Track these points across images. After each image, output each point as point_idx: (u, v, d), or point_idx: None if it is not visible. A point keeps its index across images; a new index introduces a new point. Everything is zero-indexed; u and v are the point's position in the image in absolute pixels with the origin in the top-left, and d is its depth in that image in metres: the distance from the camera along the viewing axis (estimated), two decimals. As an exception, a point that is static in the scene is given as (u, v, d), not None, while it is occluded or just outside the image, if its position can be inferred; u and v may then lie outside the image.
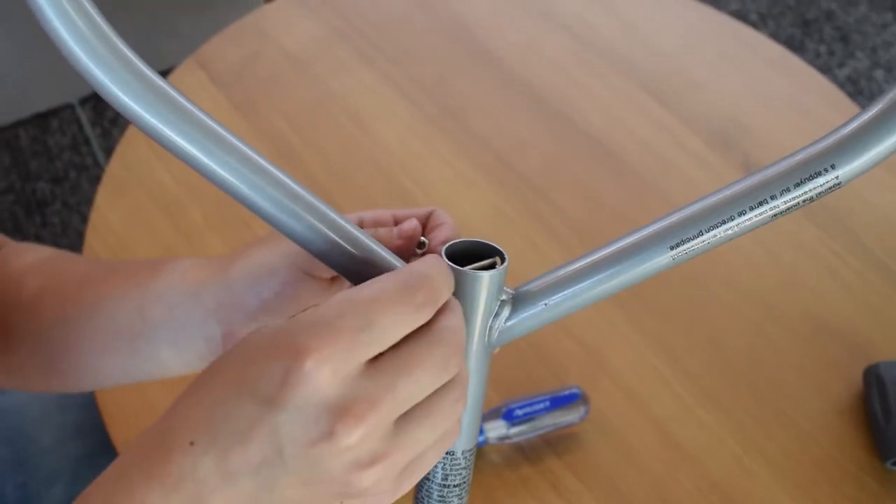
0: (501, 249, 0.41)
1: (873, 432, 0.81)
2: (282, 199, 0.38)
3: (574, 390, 0.78)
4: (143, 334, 0.53)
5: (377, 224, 0.51)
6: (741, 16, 2.20)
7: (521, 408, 0.76)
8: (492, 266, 0.40)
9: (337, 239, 0.39)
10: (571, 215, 0.94)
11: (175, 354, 0.54)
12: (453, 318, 0.37)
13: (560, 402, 0.77)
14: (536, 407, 0.76)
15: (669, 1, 1.20)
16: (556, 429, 0.77)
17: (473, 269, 0.39)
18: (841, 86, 2.06)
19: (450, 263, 0.39)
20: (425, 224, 0.50)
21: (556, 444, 0.79)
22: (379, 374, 0.34)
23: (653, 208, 0.95)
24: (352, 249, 0.39)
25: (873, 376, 0.83)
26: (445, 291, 0.38)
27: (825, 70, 2.09)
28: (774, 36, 2.16)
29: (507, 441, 0.76)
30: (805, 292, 0.91)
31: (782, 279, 0.92)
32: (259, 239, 0.51)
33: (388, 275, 0.37)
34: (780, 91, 1.10)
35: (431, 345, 0.36)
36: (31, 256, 0.62)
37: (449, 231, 0.49)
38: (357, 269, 0.40)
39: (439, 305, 0.37)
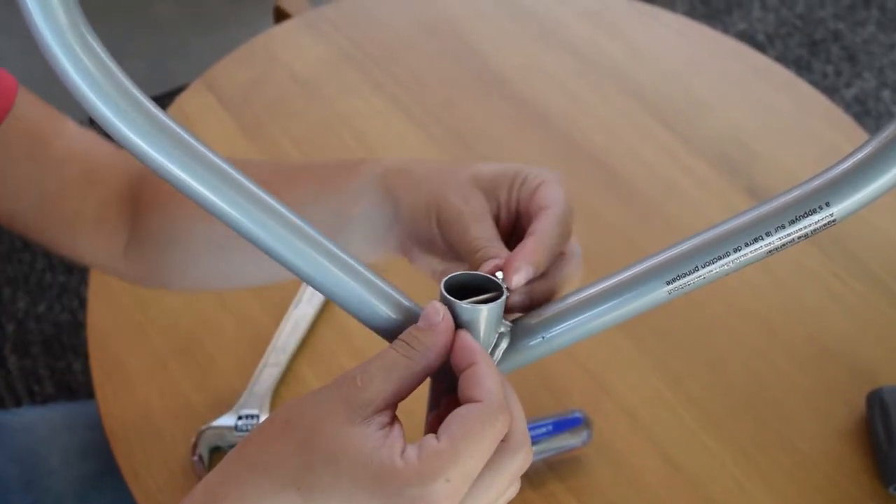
0: (501, 282, 0.41)
1: (876, 457, 0.81)
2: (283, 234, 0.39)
3: (577, 414, 0.78)
4: (342, 230, 0.56)
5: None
6: (748, 36, 2.20)
7: (523, 432, 0.76)
8: (491, 299, 0.41)
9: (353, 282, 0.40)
10: (575, 238, 0.95)
11: (368, 248, 0.56)
12: (521, 452, 0.40)
13: (563, 425, 0.77)
14: (539, 431, 0.76)
15: (675, 23, 1.21)
16: (559, 452, 0.78)
17: (472, 302, 0.40)
18: (848, 106, 2.07)
19: (448, 296, 0.40)
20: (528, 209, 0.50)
21: (558, 468, 0.79)
22: None
23: (657, 231, 0.96)
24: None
25: (877, 400, 0.83)
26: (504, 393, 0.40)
27: (832, 90, 2.10)
28: (782, 56, 2.17)
29: (510, 465, 0.76)
30: (807, 316, 0.92)
31: (785, 302, 0.92)
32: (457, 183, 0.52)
33: (474, 416, 0.38)
34: (786, 114, 1.11)
35: (507, 472, 0.40)
36: None
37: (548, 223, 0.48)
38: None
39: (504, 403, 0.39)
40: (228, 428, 0.78)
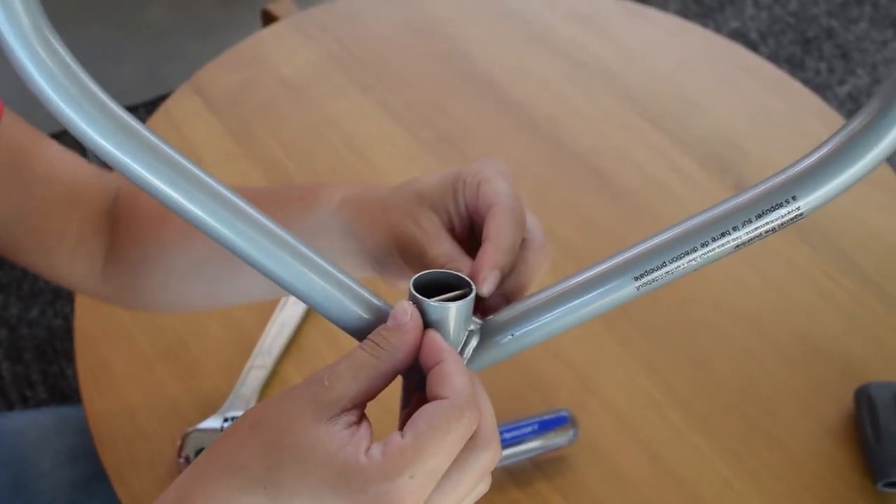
0: (469, 280, 0.41)
1: (865, 453, 0.81)
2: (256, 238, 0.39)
3: (562, 413, 0.78)
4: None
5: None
6: (741, 34, 2.20)
7: (508, 431, 0.76)
8: (460, 297, 0.41)
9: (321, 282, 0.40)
10: (564, 238, 0.95)
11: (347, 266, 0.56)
12: (489, 450, 0.40)
13: (548, 425, 0.77)
14: (524, 430, 0.76)
15: (664, 23, 1.21)
16: (545, 452, 0.78)
17: (441, 300, 0.40)
18: (841, 103, 2.07)
19: (416, 295, 0.40)
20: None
21: (544, 468, 0.79)
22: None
23: (646, 231, 0.93)
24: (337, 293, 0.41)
25: (864, 397, 0.82)
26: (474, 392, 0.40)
27: (826, 87, 2.10)
28: (775, 54, 2.17)
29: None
30: (797, 314, 0.91)
31: (774, 300, 0.92)
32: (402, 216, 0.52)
33: (439, 413, 0.38)
34: (776, 113, 1.11)
35: (475, 470, 0.39)
36: None
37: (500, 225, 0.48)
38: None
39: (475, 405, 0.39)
40: (214, 430, 0.78)
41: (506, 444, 0.76)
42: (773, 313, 0.91)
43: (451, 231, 0.50)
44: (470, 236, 0.50)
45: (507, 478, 0.78)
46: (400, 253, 0.51)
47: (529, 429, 0.77)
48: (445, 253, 0.48)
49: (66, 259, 0.66)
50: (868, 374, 0.86)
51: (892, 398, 0.81)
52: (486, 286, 0.43)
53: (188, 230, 0.58)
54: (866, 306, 0.92)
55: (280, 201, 0.58)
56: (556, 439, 0.77)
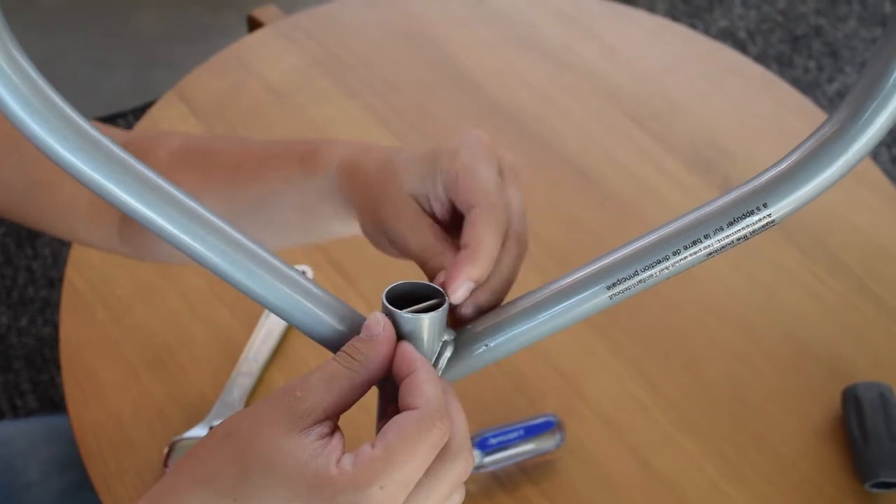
0: (443, 291, 0.41)
1: (852, 454, 0.81)
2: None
3: (549, 418, 0.78)
4: (312, 225, 0.58)
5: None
6: (730, 33, 2.21)
7: (495, 436, 0.76)
8: (432, 308, 0.40)
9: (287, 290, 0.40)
10: (549, 240, 0.94)
11: (347, 226, 0.56)
12: (460, 459, 0.40)
13: (534, 430, 0.77)
14: (511, 435, 0.76)
15: (649, 24, 1.21)
16: (532, 456, 0.77)
17: (413, 310, 0.40)
18: (830, 101, 2.07)
19: (390, 307, 0.40)
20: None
21: (531, 472, 0.79)
22: None
23: (632, 233, 0.94)
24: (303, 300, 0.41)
25: (851, 397, 0.82)
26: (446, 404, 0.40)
27: (814, 86, 2.10)
28: (763, 52, 2.17)
29: (483, 470, 0.76)
30: (785, 315, 0.91)
31: (762, 302, 0.92)
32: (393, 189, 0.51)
33: (409, 423, 0.38)
34: (762, 113, 1.11)
35: (446, 480, 0.39)
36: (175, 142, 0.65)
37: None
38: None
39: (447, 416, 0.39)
40: (200, 439, 0.78)
41: (492, 448, 0.76)
42: (760, 315, 0.91)
43: (433, 215, 0.49)
44: (454, 216, 0.49)
45: (495, 483, 0.78)
46: (387, 238, 0.50)
47: (516, 434, 0.77)
48: (425, 246, 0.47)
49: (83, 225, 0.66)
50: (855, 375, 0.86)
51: (879, 398, 0.81)
52: (457, 295, 0.43)
53: (197, 189, 0.58)
54: (854, 307, 0.92)
55: (279, 164, 0.57)
56: (544, 444, 0.77)
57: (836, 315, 0.92)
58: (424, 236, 0.47)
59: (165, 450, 0.77)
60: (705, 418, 0.84)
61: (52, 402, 1.59)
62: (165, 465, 0.77)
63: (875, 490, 0.79)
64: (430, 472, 0.38)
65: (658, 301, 0.91)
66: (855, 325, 0.91)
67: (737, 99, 1.12)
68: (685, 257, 0.38)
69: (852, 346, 0.89)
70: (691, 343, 0.89)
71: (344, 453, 0.37)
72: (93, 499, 0.80)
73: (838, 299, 0.93)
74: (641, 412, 0.83)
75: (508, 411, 0.82)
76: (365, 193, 0.51)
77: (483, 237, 0.44)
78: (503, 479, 0.78)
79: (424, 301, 0.41)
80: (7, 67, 0.34)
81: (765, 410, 0.85)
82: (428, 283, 0.42)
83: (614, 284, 0.39)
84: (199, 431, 0.78)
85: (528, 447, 0.77)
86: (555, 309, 0.40)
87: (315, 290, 0.41)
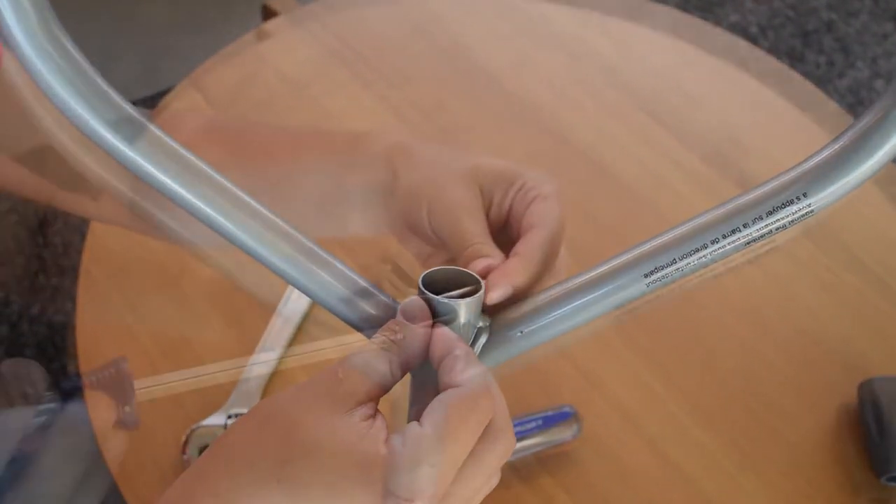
0: (479, 277, 0.41)
1: (868, 448, 0.81)
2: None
3: (566, 409, 0.78)
4: (341, 202, 0.55)
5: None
6: (741, 27, 2.20)
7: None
8: (468, 294, 0.40)
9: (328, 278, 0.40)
10: (566, 233, 0.94)
11: (364, 222, 0.55)
12: (504, 440, 0.40)
13: (552, 420, 0.77)
14: (528, 426, 0.76)
15: (664, 17, 1.21)
16: (549, 447, 0.78)
17: (450, 296, 0.40)
18: (842, 96, 2.06)
19: (426, 292, 0.40)
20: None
21: (548, 463, 0.79)
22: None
23: (648, 227, 0.94)
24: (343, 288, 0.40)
25: (868, 392, 0.83)
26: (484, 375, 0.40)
27: (825, 81, 2.09)
28: (774, 47, 2.16)
29: (501, 461, 0.76)
30: (800, 309, 0.91)
31: (777, 296, 0.92)
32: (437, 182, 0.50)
33: (455, 401, 0.38)
34: (777, 107, 1.11)
35: (490, 460, 0.39)
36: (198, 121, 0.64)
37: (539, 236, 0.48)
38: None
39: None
40: (218, 427, 0.78)
41: (510, 440, 0.76)
42: (776, 309, 0.91)
43: (486, 219, 0.49)
44: (499, 233, 0.49)
45: (512, 473, 0.78)
46: (431, 212, 0.49)
47: (533, 424, 0.77)
48: (477, 232, 0.47)
49: (92, 201, 0.65)
50: (871, 369, 0.86)
51: (896, 393, 0.81)
52: (494, 295, 0.43)
53: (223, 162, 0.57)
54: (869, 301, 0.92)
55: (329, 136, 0.57)
56: (560, 435, 0.77)
57: (851, 309, 0.92)
58: (479, 223, 0.47)
59: (183, 437, 0.77)
60: (720, 410, 0.84)
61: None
62: (183, 452, 0.77)
63: (891, 484, 0.79)
64: (474, 452, 0.38)
65: (672, 293, 0.91)
66: (869, 319, 0.91)
67: (752, 93, 1.12)
68: (723, 246, 0.38)
69: (867, 340, 0.89)
70: (707, 336, 0.89)
71: (389, 434, 0.37)
72: (107, 487, 0.80)
73: (853, 293, 0.93)
74: (657, 404, 0.83)
75: (524, 402, 0.82)
76: (418, 168, 0.51)
77: (534, 252, 0.45)
78: (520, 470, 0.78)
79: (458, 288, 0.41)
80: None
81: (780, 403, 0.85)
82: (463, 269, 0.42)
83: (652, 272, 0.39)
84: (217, 419, 0.78)
85: (545, 438, 0.77)
86: (591, 296, 0.40)
87: (349, 272, 0.41)
